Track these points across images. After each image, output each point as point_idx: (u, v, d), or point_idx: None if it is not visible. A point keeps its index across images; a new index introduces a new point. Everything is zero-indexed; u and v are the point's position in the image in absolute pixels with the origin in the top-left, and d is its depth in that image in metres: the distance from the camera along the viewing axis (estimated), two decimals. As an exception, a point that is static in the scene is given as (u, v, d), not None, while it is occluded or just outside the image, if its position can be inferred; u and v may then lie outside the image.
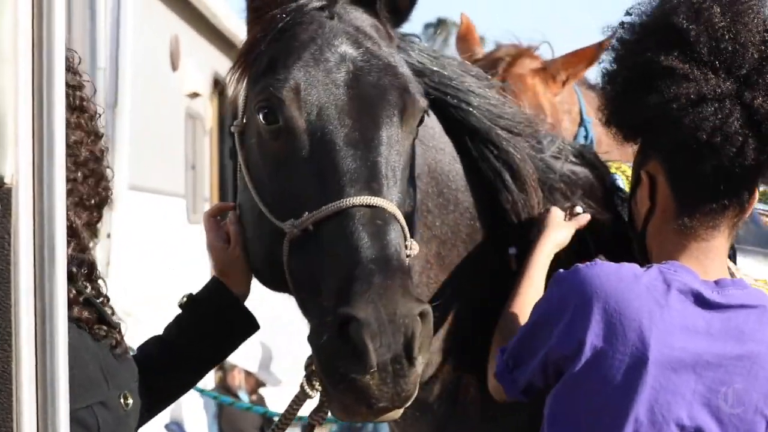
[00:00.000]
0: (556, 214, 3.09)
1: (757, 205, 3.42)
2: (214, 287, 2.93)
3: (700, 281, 2.66)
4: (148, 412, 2.71)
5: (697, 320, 2.62)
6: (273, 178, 2.80)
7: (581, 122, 5.33)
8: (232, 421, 9.83)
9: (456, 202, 3.14)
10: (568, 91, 5.33)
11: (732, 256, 3.11)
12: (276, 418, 3.07)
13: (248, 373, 9.93)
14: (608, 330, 2.60)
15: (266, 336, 10.68)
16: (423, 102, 2.86)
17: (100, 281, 2.61)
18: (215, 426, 10.06)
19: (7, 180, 2.07)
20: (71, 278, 2.40)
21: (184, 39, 11.19)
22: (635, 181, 2.85)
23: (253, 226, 2.90)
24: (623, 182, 3.36)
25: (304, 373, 2.91)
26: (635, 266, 2.69)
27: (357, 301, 2.49)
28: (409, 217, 2.81)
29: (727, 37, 2.69)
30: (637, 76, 2.73)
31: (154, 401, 2.74)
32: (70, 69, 2.58)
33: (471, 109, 3.15)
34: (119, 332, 2.62)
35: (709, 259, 2.72)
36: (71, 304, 2.38)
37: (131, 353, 2.72)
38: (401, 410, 2.59)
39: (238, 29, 12.47)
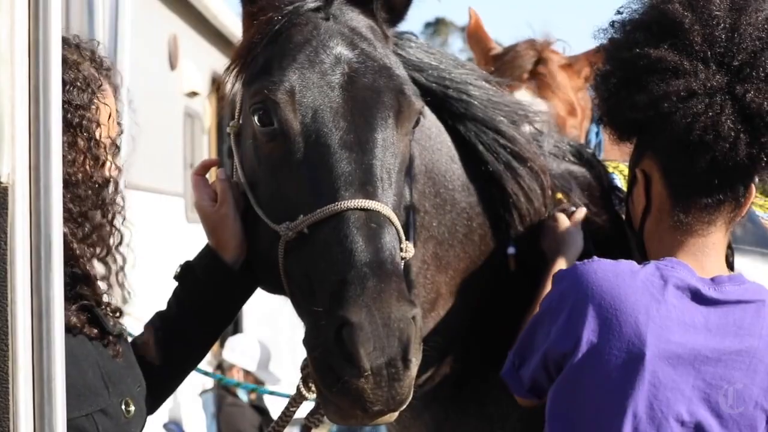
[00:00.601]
0: (569, 229, 3.09)
1: (758, 212, 3.43)
2: (206, 254, 2.90)
3: (697, 277, 2.66)
4: (157, 397, 2.71)
5: (695, 316, 2.62)
6: (268, 180, 2.80)
7: (593, 119, 5.33)
8: (230, 421, 9.83)
9: (453, 202, 3.14)
10: (584, 89, 5.33)
11: (730, 256, 3.12)
12: (267, 400, 3.06)
13: (247, 372, 9.93)
14: (604, 326, 2.60)
15: (265, 335, 10.68)
16: (418, 103, 2.85)
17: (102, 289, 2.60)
18: (214, 426, 10.06)
19: (3, 179, 2.07)
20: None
21: (183, 38, 11.18)
22: (631, 180, 2.85)
23: (248, 227, 2.90)
24: (621, 181, 3.36)
25: (300, 373, 2.91)
26: (632, 263, 2.70)
27: (351, 305, 2.49)
28: (405, 219, 2.81)
29: (722, 25, 2.68)
30: (627, 73, 2.74)
31: (162, 382, 2.74)
32: (78, 83, 2.54)
33: (472, 99, 3.15)
34: (123, 340, 2.61)
35: (706, 255, 2.73)
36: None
37: (130, 338, 2.71)
38: (396, 413, 2.59)
39: (236, 29, 12.38)
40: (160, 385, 2.76)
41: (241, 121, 2.92)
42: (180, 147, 11.34)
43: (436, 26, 54.78)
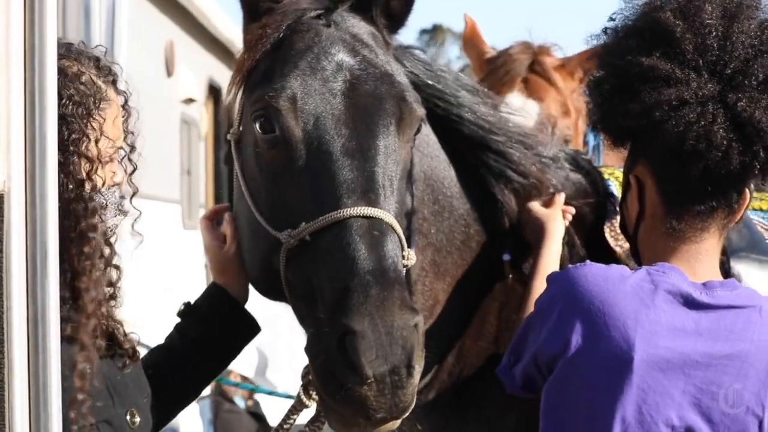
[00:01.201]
0: (545, 213, 3.12)
1: (754, 216, 3.43)
2: (212, 292, 2.92)
3: (688, 282, 2.66)
4: (156, 426, 2.70)
5: (686, 321, 2.62)
6: (269, 187, 2.79)
7: (590, 121, 5.32)
8: (227, 428, 9.81)
9: (451, 208, 3.14)
10: (580, 90, 5.33)
11: (726, 263, 3.12)
12: (260, 396, 3.07)
13: (245, 378, 9.92)
14: (592, 330, 2.60)
15: (263, 341, 10.67)
16: (420, 110, 2.85)
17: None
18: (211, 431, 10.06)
19: (-1, 186, 2.07)
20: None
21: (180, 45, 11.18)
22: (625, 186, 2.85)
23: (249, 235, 2.89)
24: (616, 188, 3.37)
25: (300, 380, 2.91)
26: (624, 268, 2.70)
27: (354, 314, 2.50)
28: (407, 227, 2.81)
29: (714, 33, 2.67)
30: (620, 81, 2.73)
31: (163, 411, 2.73)
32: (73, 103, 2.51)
33: (463, 121, 3.15)
34: (132, 349, 2.60)
35: (699, 262, 2.72)
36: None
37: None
38: (398, 421, 2.60)
39: (233, 35, 12.46)
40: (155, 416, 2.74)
41: (241, 128, 2.91)
42: (177, 153, 11.35)
43: (433, 33, 54.82)
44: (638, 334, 2.58)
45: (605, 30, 2.85)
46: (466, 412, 3.21)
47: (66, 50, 2.56)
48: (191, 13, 11.61)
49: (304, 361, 2.72)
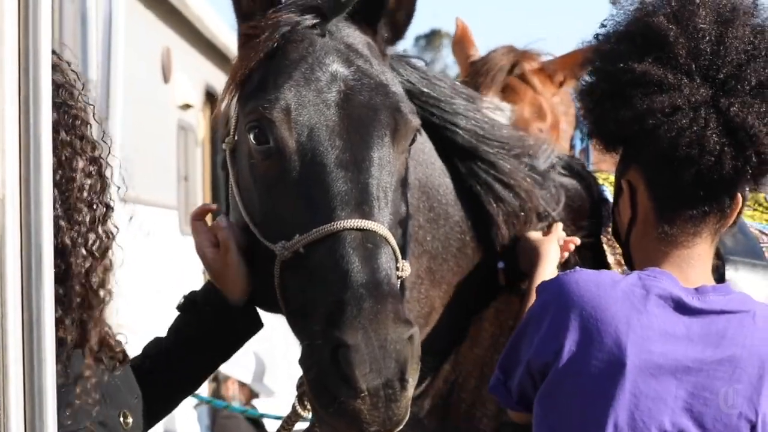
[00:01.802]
0: (542, 243, 3.11)
1: (752, 223, 3.43)
2: (211, 289, 2.90)
3: (680, 287, 2.65)
4: (149, 421, 2.70)
5: (677, 325, 2.62)
6: (263, 198, 2.79)
7: (577, 125, 5.34)
8: (225, 434, 9.81)
9: (446, 216, 3.13)
10: (565, 93, 5.35)
11: (721, 267, 3.11)
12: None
13: (242, 384, 9.91)
14: (584, 336, 2.60)
15: (260, 348, 10.66)
16: (415, 121, 2.84)
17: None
18: (208, 437, 10.06)
19: (-7, 192, 2.07)
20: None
21: (176, 51, 11.18)
22: (617, 190, 2.85)
23: (244, 244, 2.88)
24: (610, 193, 3.37)
25: (295, 390, 2.90)
26: (614, 273, 2.71)
27: (347, 327, 2.50)
28: (402, 238, 2.80)
29: (708, 38, 2.67)
30: (612, 87, 2.73)
31: (154, 407, 2.73)
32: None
33: (458, 129, 3.14)
34: (122, 353, 2.60)
35: (691, 267, 2.72)
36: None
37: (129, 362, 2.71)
38: None
39: (230, 41, 12.46)
40: (150, 415, 2.74)
41: (236, 138, 2.91)
42: (173, 159, 11.34)
43: (431, 37, 54.87)
44: (630, 339, 2.58)
45: (596, 36, 2.85)
46: (459, 422, 3.20)
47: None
48: (188, 19, 11.60)
49: (300, 370, 2.72)
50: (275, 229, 2.74)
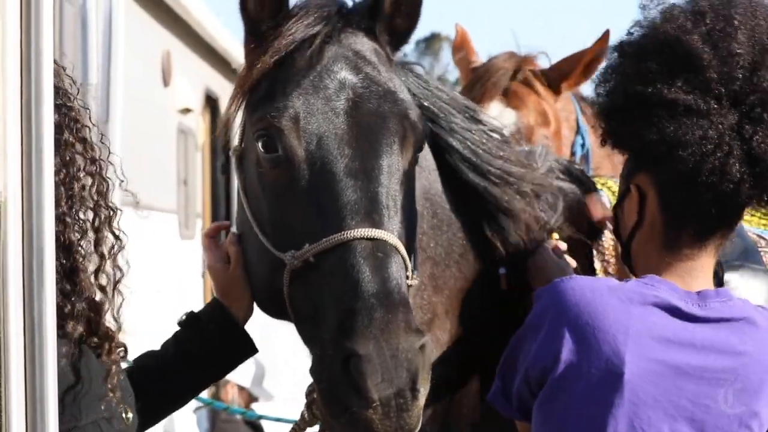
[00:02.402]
0: (557, 264, 3.07)
1: (749, 227, 3.42)
2: (215, 307, 2.92)
3: (679, 295, 2.63)
4: (141, 426, 2.71)
5: (677, 333, 2.60)
6: (272, 207, 2.78)
7: (578, 130, 5.34)
8: (224, 438, 9.81)
9: (449, 222, 3.11)
10: (566, 99, 5.35)
11: (720, 272, 3.11)
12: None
13: (241, 388, 9.91)
14: (582, 344, 2.58)
15: (260, 352, 10.64)
16: (423, 128, 2.83)
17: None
18: (207, 441, 10.05)
19: (-4, 196, 2.08)
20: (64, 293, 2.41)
21: (176, 55, 11.18)
22: (624, 192, 2.80)
23: (252, 253, 2.88)
24: (608, 198, 3.36)
25: (298, 390, 2.90)
26: (611, 280, 2.68)
27: (359, 337, 2.50)
28: (411, 246, 2.79)
29: (741, 64, 2.61)
30: (636, 104, 2.66)
31: (146, 415, 2.74)
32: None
33: (453, 151, 3.10)
34: (123, 351, 2.62)
35: (693, 278, 2.70)
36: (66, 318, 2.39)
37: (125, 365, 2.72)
38: None
39: (230, 45, 12.48)
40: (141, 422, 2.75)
41: (244, 146, 2.90)
42: (173, 163, 11.34)
43: (430, 41, 54.85)
44: (629, 347, 2.56)
45: (621, 44, 2.76)
46: (461, 429, 3.20)
47: None
48: (188, 23, 11.60)
49: (302, 372, 2.72)
50: (284, 237, 2.73)
